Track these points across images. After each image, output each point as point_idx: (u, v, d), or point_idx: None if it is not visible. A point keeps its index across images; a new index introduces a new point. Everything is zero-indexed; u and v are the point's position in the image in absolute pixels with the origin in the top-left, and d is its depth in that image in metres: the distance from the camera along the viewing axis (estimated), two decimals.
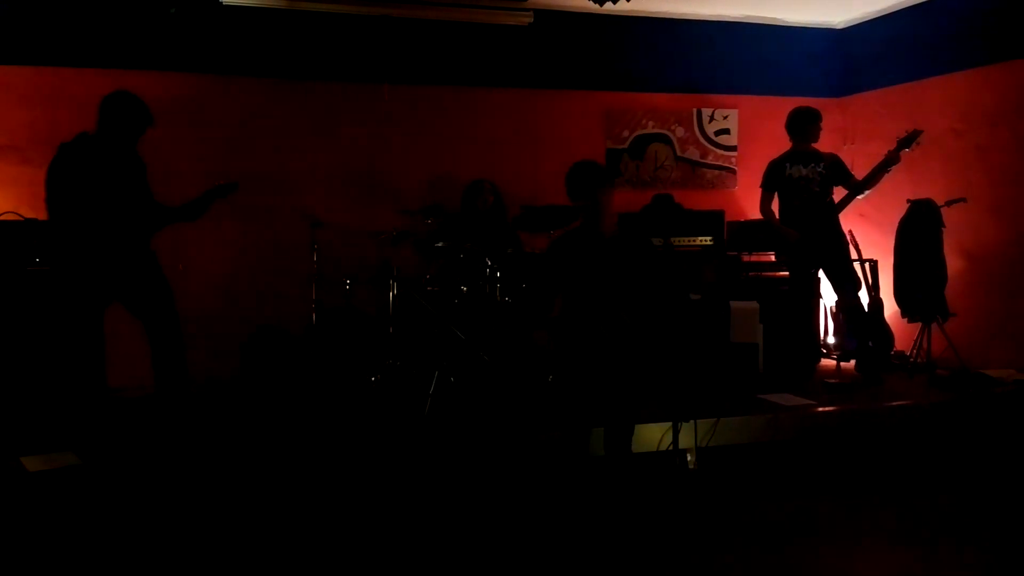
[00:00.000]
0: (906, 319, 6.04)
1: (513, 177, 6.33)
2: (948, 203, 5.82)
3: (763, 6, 6.88)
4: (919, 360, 5.88)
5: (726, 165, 7.23)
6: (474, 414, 4.68)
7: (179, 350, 4.38)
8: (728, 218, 6.78)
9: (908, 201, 5.90)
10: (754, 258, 6.48)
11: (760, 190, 5.76)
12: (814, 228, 5.50)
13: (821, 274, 5.79)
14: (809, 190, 5.55)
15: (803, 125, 5.62)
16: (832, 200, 5.57)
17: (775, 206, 5.75)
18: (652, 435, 4.32)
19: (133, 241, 4.25)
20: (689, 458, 4.21)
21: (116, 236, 4.17)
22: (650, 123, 7.05)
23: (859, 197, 5.45)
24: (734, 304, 5.57)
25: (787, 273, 5.98)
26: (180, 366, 4.38)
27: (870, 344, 5.77)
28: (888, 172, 5.35)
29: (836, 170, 5.59)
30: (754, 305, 5.60)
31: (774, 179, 5.69)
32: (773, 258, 6.36)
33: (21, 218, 4.94)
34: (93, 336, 4.25)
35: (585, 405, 3.92)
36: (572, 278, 3.93)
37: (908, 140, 5.35)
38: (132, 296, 4.31)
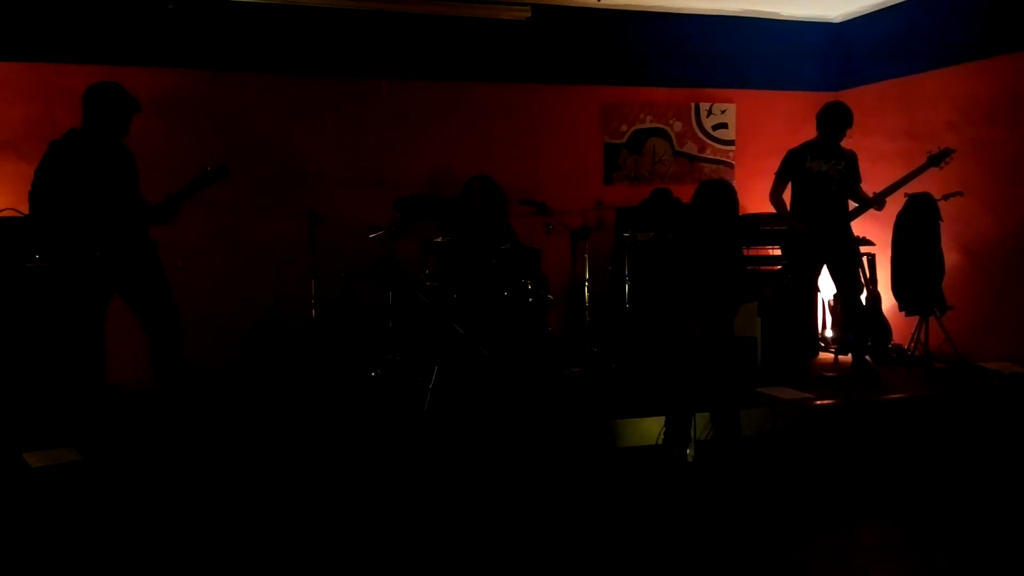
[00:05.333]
0: (904, 312, 6.06)
1: (511, 172, 6.34)
2: (945, 196, 5.83)
3: (760, 0, 6.88)
4: (917, 353, 5.90)
5: (724, 159, 7.24)
6: (473, 409, 4.70)
7: (177, 343, 4.39)
8: None
9: (906, 195, 5.90)
10: (752, 252, 6.48)
11: (773, 177, 5.57)
12: (824, 227, 5.38)
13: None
14: (827, 187, 5.39)
15: (837, 122, 5.40)
16: (847, 205, 5.45)
17: (786, 197, 5.57)
18: (649, 429, 4.35)
19: (128, 233, 4.25)
20: (688, 451, 4.23)
21: (108, 230, 4.17)
22: (648, 117, 7.06)
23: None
24: None
25: (778, 267, 5.96)
26: (178, 359, 4.39)
27: (868, 343, 5.74)
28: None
29: (851, 168, 5.46)
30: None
31: (791, 169, 5.49)
32: (772, 252, 6.37)
33: (21, 215, 4.94)
34: (93, 332, 4.25)
35: (687, 394, 4.14)
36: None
37: (939, 157, 5.30)
38: (130, 289, 4.31)
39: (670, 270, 4.30)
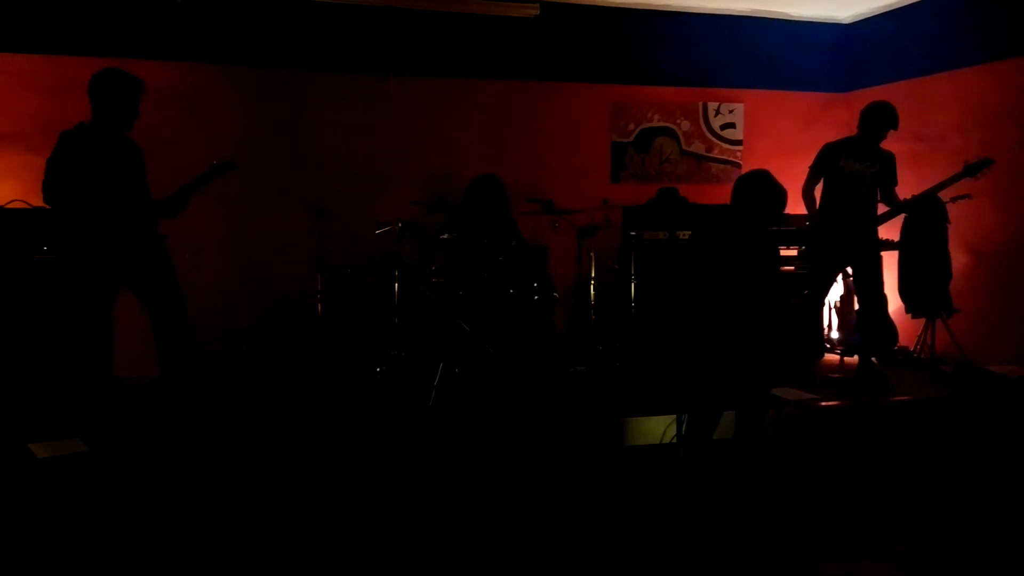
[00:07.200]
0: (910, 315, 6.05)
1: (518, 169, 6.34)
2: (953, 199, 5.81)
3: (769, 0, 6.87)
4: (923, 356, 5.89)
5: (731, 159, 7.23)
6: (478, 406, 4.70)
7: (185, 337, 4.40)
8: None
9: (913, 197, 5.88)
10: None
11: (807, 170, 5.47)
12: (850, 228, 5.28)
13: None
14: (856, 188, 5.29)
15: (880, 122, 5.28)
16: (876, 208, 5.38)
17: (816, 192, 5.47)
18: (655, 428, 4.34)
19: (137, 226, 4.25)
20: (701, 450, 4.21)
21: (118, 222, 4.18)
22: (656, 116, 7.05)
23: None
24: None
25: (791, 268, 5.95)
26: (186, 353, 4.40)
27: (876, 350, 5.70)
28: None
29: (887, 169, 5.35)
30: None
31: (825, 165, 5.38)
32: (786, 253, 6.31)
33: (29, 206, 4.96)
34: (101, 323, 4.26)
35: (714, 391, 4.04)
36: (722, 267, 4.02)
37: (976, 168, 5.16)
38: (139, 281, 4.32)
39: (716, 269, 4.03)
